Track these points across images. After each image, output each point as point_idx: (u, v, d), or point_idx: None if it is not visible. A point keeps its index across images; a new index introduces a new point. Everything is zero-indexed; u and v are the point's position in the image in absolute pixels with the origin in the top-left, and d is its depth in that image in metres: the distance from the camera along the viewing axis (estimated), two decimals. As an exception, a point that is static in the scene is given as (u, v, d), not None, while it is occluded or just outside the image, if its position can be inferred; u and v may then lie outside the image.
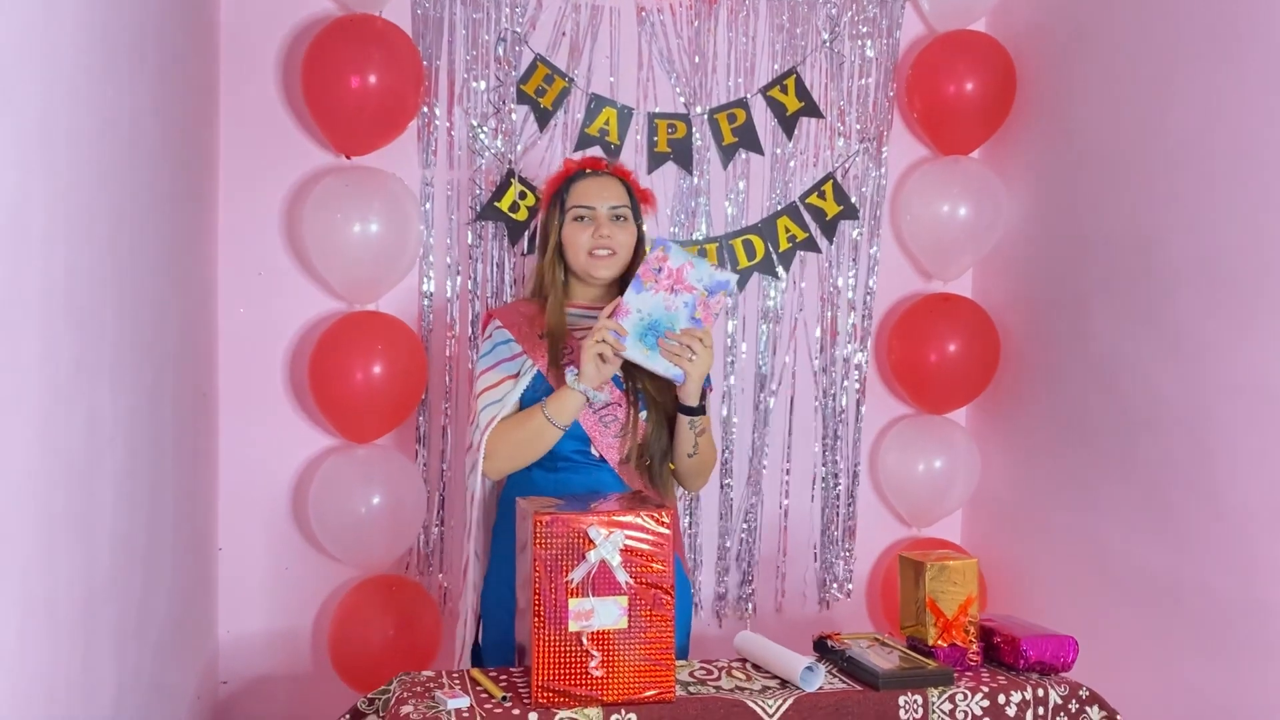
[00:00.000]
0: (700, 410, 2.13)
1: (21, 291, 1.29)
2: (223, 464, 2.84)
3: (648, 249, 2.21)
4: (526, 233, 2.97)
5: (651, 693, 1.82)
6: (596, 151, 2.98)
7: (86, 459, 1.59)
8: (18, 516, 1.29)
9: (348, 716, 1.98)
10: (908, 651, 2.07)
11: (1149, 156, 2.58)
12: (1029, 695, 1.96)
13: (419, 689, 1.89)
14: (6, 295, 1.24)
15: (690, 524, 3.11)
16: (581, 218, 2.21)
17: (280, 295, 2.87)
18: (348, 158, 2.83)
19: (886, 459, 3.20)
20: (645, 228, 2.27)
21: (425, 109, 2.90)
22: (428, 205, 2.94)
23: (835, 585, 3.23)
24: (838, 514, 3.22)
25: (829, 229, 3.15)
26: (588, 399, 2.09)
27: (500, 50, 2.94)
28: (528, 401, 2.18)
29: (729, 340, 3.11)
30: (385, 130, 2.80)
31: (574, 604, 1.80)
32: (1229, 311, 2.34)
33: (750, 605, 3.17)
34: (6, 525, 1.25)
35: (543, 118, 2.97)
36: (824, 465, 3.20)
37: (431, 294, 2.96)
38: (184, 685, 2.41)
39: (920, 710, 1.92)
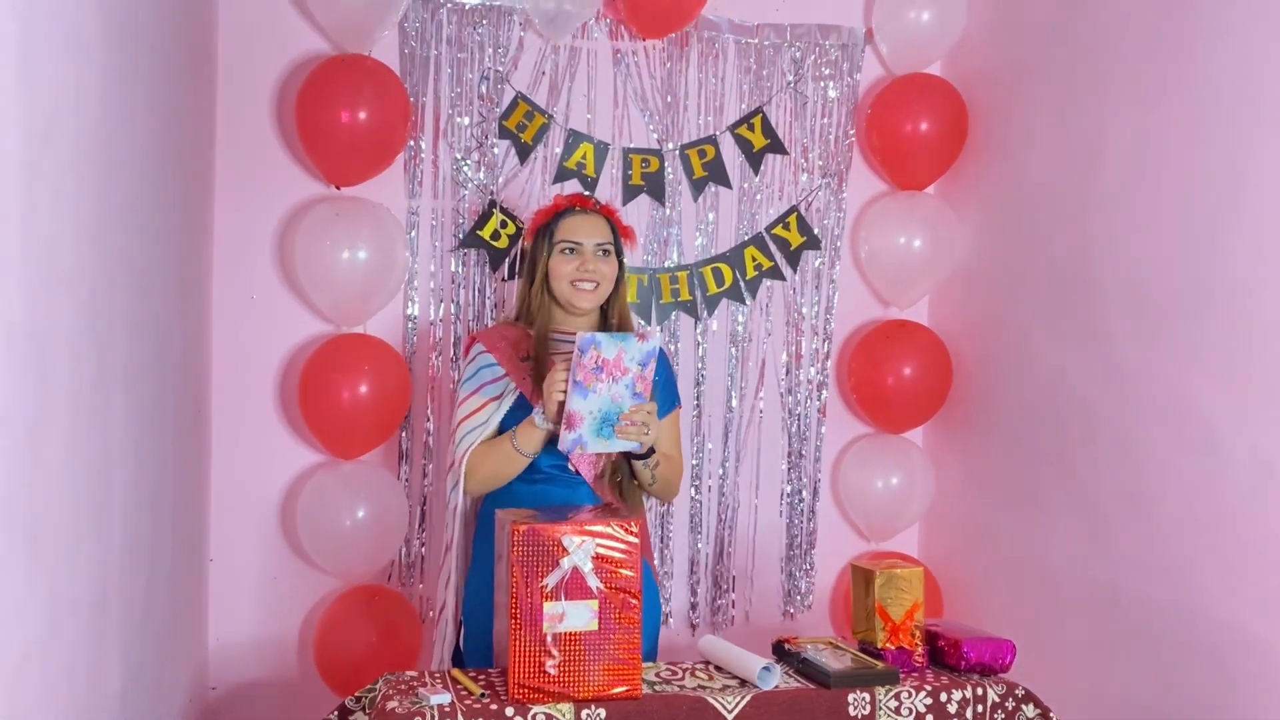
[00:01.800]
0: (650, 453, 2.28)
1: (53, 314, 1.44)
2: (214, 478, 2.97)
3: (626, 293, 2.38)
4: (507, 259, 3.13)
5: (620, 690, 1.98)
6: (575, 185, 3.15)
7: (103, 469, 1.73)
8: (51, 520, 1.43)
9: (335, 714, 2.12)
10: (858, 654, 2.23)
11: (1088, 190, 2.77)
12: (969, 694, 2.13)
13: (403, 687, 2.03)
14: (43, 318, 1.38)
15: (662, 537, 3.27)
16: (568, 250, 2.37)
17: (271, 318, 3.00)
18: (337, 188, 2.98)
19: (847, 476, 3.36)
20: (625, 259, 2.44)
21: (412, 143, 3.06)
22: (413, 233, 3.09)
23: (798, 598, 3.39)
24: (801, 529, 3.38)
25: (793, 258, 3.32)
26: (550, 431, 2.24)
27: (483, 88, 3.11)
28: (510, 423, 2.33)
29: (699, 364, 3.28)
30: (374, 162, 2.96)
31: (548, 607, 1.95)
32: (1160, 336, 2.53)
33: (720, 615, 3.32)
34: (40, 529, 1.39)
35: (523, 152, 3.14)
36: (789, 482, 3.37)
37: (416, 317, 3.11)
38: (178, 689, 2.54)
39: (868, 707, 2.08)
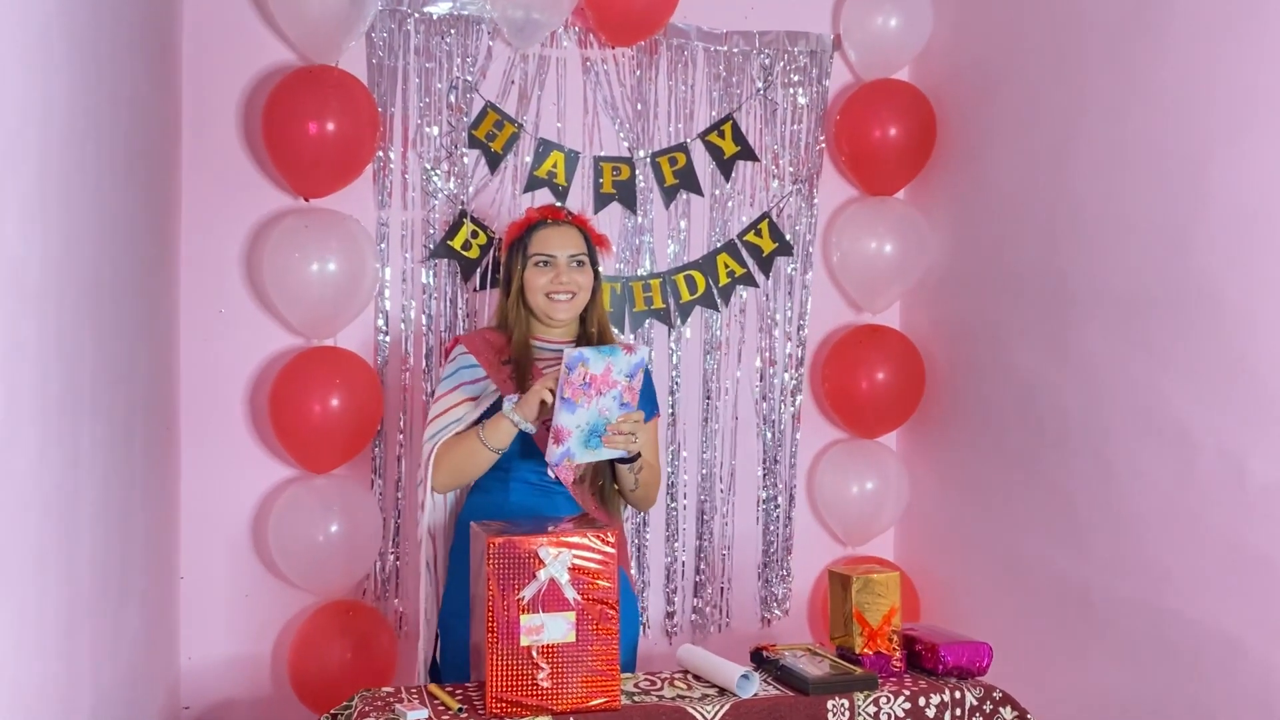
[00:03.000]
0: (636, 457, 2.28)
1: (19, 333, 1.41)
2: (185, 494, 2.93)
3: (605, 297, 2.40)
4: (478, 270, 3.11)
5: (598, 701, 1.96)
6: (546, 194, 3.14)
7: (71, 489, 1.70)
8: (18, 541, 1.40)
9: (312, 731, 2.09)
10: (837, 660, 2.23)
11: (1057, 195, 2.79)
12: (947, 697, 2.13)
13: (379, 703, 2.01)
14: (9, 338, 1.36)
15: (639, 546, 3.26)
16: (541, 264, 2.37)
17: (241, 332, 2.97)
18: (306, 200, 2.96)
19: (822, 481, 3.37)
20: (601, 268, 2.44)
21: (381, 153, 3.04)
22: (383, 244, 3.07)
23: (775, 604, 3.39)
24: (778, 535, 3.38)
25: (766, 265, 3.33)
26: (519, 428, 2.23)
27: (452, 98, 3.10)
28: None
29: (674, 372, 3.27)
30: (342, 173, 2.94)
31: (525, 620, 1.94)
32: (1129, 338, 2.55)
33: (698, 623, 3.31)
34: (7, 550, 1.37)
35: (493, 161, 3.13)
36: (764, 488, 3.37)
37: (387, 329, 3.09)
38: (150, 710, 2.50)
39: (847, 713, 2.08)
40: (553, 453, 2.16)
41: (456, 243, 3.10)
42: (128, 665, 2.22)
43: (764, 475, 3.37)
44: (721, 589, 3.34)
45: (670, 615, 3.30)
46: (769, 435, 3.37)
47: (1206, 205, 2.35)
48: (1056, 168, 2.79)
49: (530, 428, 2.23)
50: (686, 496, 3.30)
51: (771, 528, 3.38)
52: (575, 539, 1.96)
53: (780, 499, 3.38)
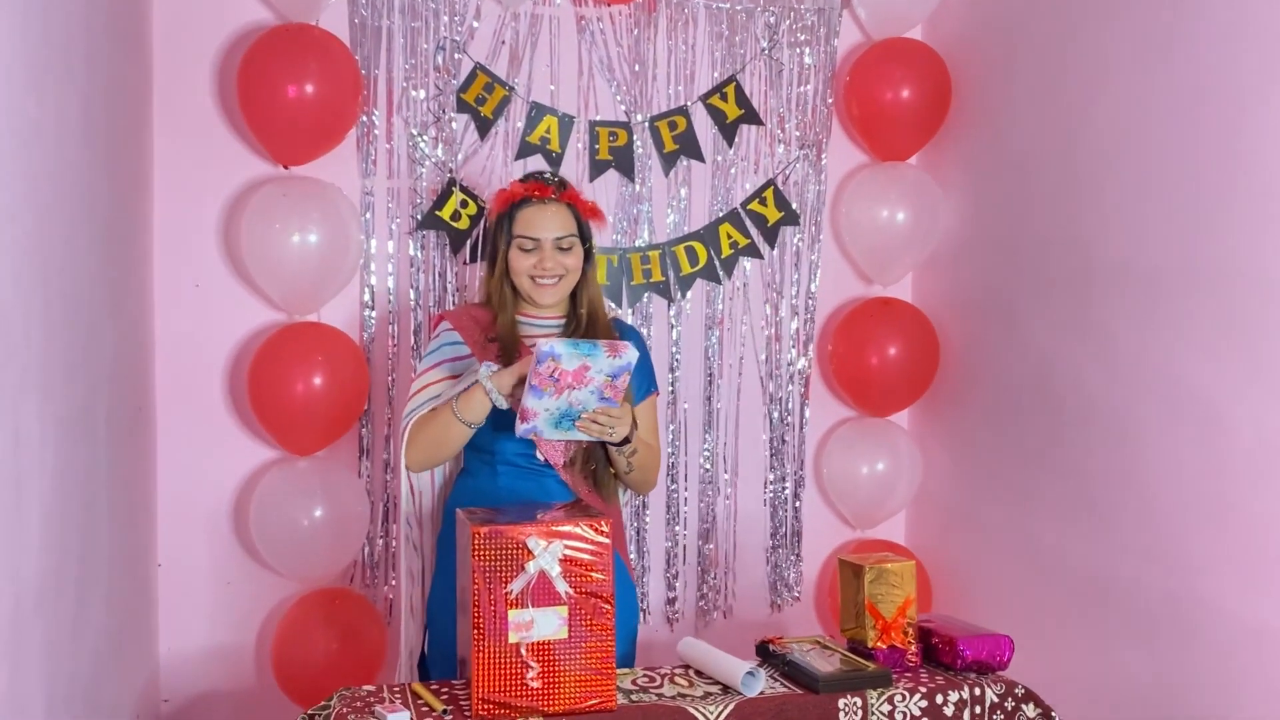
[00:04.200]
0: (627, 441, 2.14)
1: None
2: (161, 479, 2.80)
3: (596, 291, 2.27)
4: (468, 241, 2.96)
5: (593, 702, 1.83)
6: (539, 160, 2.98)
7: (13, 480, 1.56)
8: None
9: (288, 733, 1.96)
10: (848, 654, 2.09)
11: (1078, 161, 2.63)
12: (966, 695, 1.99)
13: (359, 704, 1.88)
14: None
15: (638, 530, 3.12)
16: (526, 248, 2.21)
17: (218, 307, 2.83)
18: (285, 167, 2.80)
19: (831, 462, 3.23)
20: (595, 242, 2.28)
21: (364, 118, 2.89)
22: (368, 215, 2.92)
23: (784, 589, 3.25)
24: (785, 517, 3.24)
25: (770, 235, 3.17)
26: (492, 400, 2.08)
27: (439, 59, 2.93)
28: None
29: (674, 348, 3.12)
30: (323, 140, 2.78)
31: (514, 615, 1.80)
32: (1154, 313, 2.40)
33: (703, 610, 3.18)
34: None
35: (483, 126, 2.97)
36: (771, 469, 3.22)
37: (372, 304, 2.94)
38: (122, 703, 2.37)
39: (860, 712, 1.94)
40: (519, 426, 2.03)
41: (445, 213, 2.94)
42: (91, 659, 2.09)
43: (770, 456, 3.22)
44: (726, 574, 3.20)
45: (672, 601, 3.17)
46: (775, 414, 3.22)
47: (1239, 171, 2.19)
48: (1078, 132, 2.62)
49: (503, 402, 2.08)
50: (688, 478, 3.16)
51: (779, 510, 3.24)
52: (567, 528, 1.82)
53: (788, 480, 3.24)
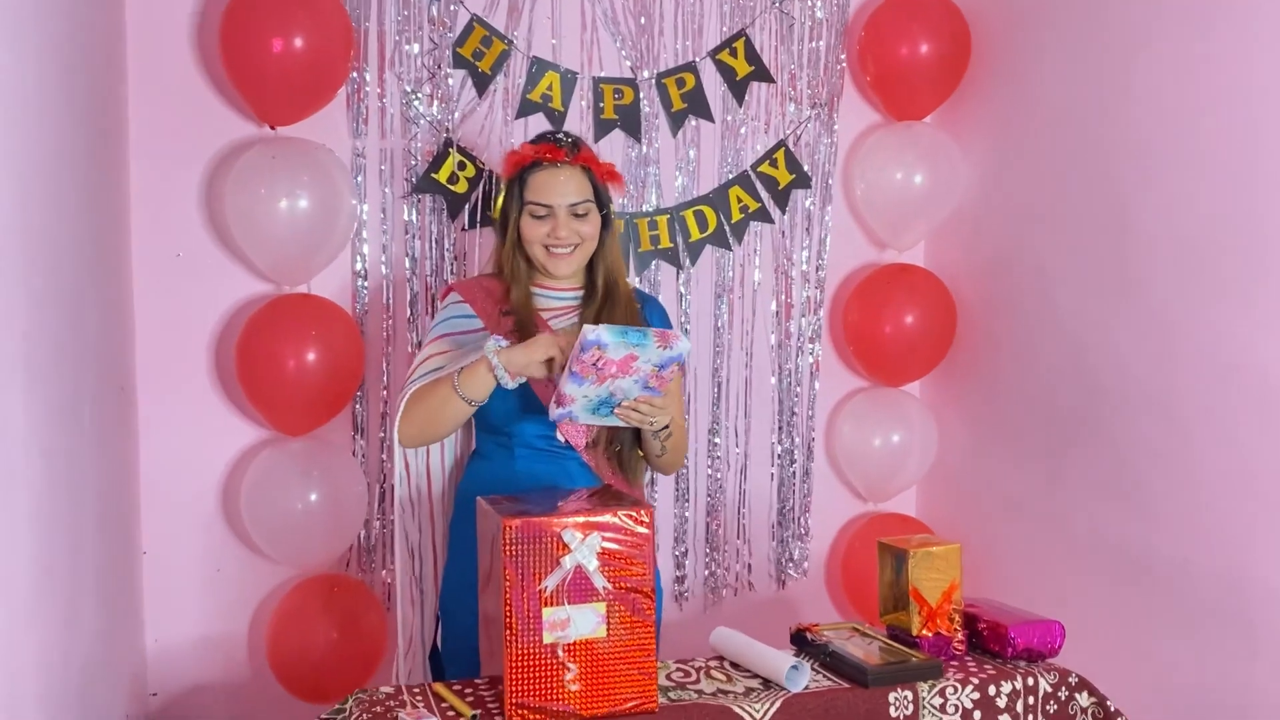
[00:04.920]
0: (665, 427, 2.00)
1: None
2: (144, 462, 2.63)
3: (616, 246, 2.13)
4: (467, 206, 2.80)
5: (633, 704, 1.71)
6: (540, 120, 2.82)
7: (2, 472, 1.41)
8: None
9: (300, 739, 1.83)
10: (889, 642, 1.99)
11: (1115, 121, 2.51)
12: (1019, 685, 1.90)
13: (379, 709, 1.74)
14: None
15: (644, 507, 3.00)
16: (539, 215, 2.06)
17: (202, 278, 2.65)
18: (272, 128, 2.62)
19: (842, 433, 3.12)
20: (614, 207, 2.13)
21: (355, 74, 2.70)
22: (360, 178, 2.74)
23: (792, 565, 3.15)
24: (794, 491, 3.14)
25: (781, 199, 3.03)
26: (497, 378, 1.94)
27: (434, 10, 2.75)
28: None
29: (683, 316, 2.99)
30: (312, 97, 2.60)
31: (548, 613, 1.67)
32: (1201, 283, 2.29)
33: (710, 586, 3.07)
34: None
35: (481, 83, 2.80)
36: (780, 442, 3.11)
37: (366, 273, 2.77)
38: (115, 700, 2.23)
39: (911, 707, 1.84)
40: (553, 411, 1.89)
41: (441, 175, 2.77)
42: (83, 659, 1.94)
43: (780, 428, 3.11)
44: (737, 550, 3.09)
45: (680, 579, 3.05)
46: (785, 384, 3.09)
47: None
48: (1114, 88, 2.50)
49: (507, 380, 1.93)
50: (697, 452, 3.03)
51: (788, 484, 3.13)
52: (605, 518, 1.69)
53: (797, 453, 3.12)
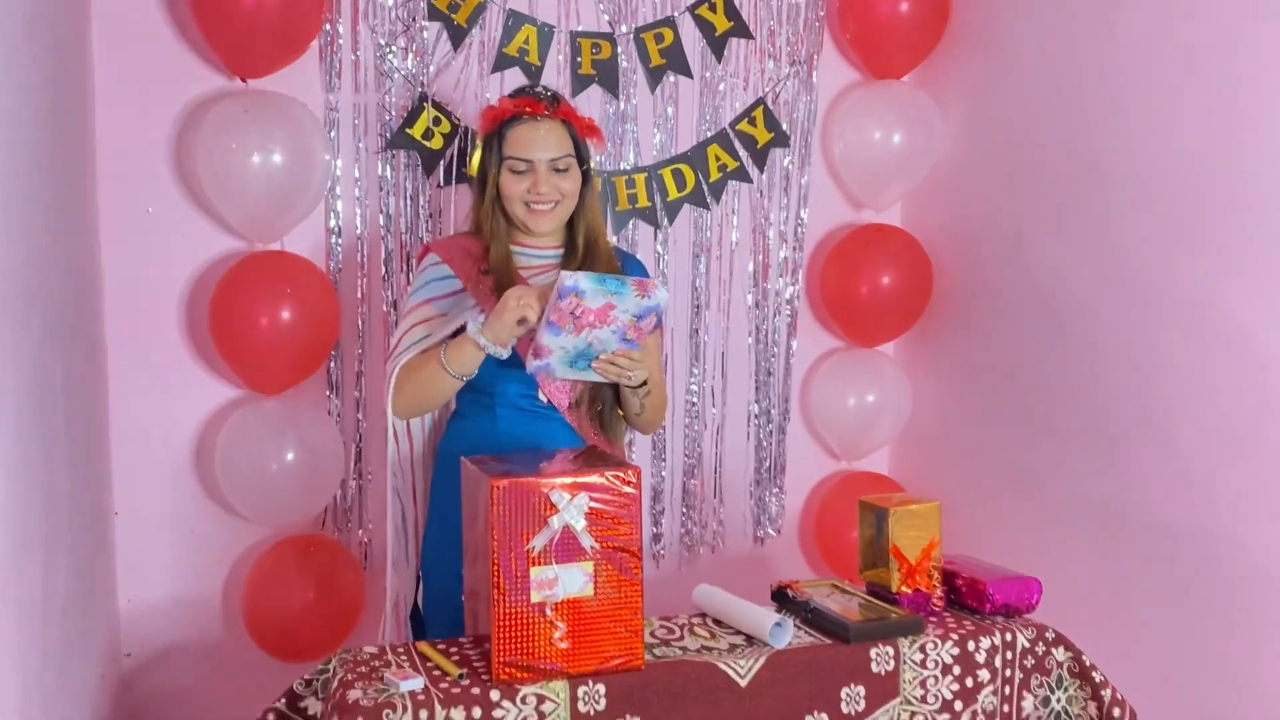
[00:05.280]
0: (643, 384, 2.00)
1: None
2: (114, 421, 2.59)
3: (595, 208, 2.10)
4: (442, 162, 2.76)
5: (619, 661, 1.72)
6: (517, 75, 2.77)
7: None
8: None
9: (283, 700, 1.82)
10: (869, 599, 2.01)
11: (1092, 80, 2.51)
12: (997, 640, 1.93)
13: (364, 669, 1.74)
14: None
15: (620, 466, 3.00)
16: (518, 170, 2.03)
17: (172, 235, 2.60)
18: (243, 81, 2.56)
19: (818, 393, 3.13)
20: (594, 163, 2.10)
21: (328, 26, 2.64)
22: (333, 133, 2.69)
23: (768, 522, 3.17)
24: (770, 450, 3.15)
25: (760, 157, 3.02)
26: (487, 352, 1.93)
27: (409, -39, 2.69)
28: None
29: (661, 277, 2.97)
30: (284, 50, 2.55)
31: (536, 573, 1.67)
32: (1179, 242, 2.31)
33: (685, 546, 3.09)
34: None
35: (457, 36, 2.74)
36: (756, 401, 3.12)
37: (340, 231, 2.73)
38: (88, 665, 2.20)
39: (892, 662, 1.86)
40: (530, 363, 1.88)
41: (416, 131, 2.73)
42: (59, 621, 1.91)
43: (756, 388, 3.11)
44: (713, 509, 3.11)
45: (657, 538, 3.07)
46: (762, 344, 3.10)
47: (1273, 86, 2.08)
48: (1097, 44, 2.49)
49: (501, 352, 1.92)
50: (674, 411, 3.03)
51: (764, 443, 3.14)
52: (593, 479, 1.68)
53: (774, 412, 3.13)
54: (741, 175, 3.00)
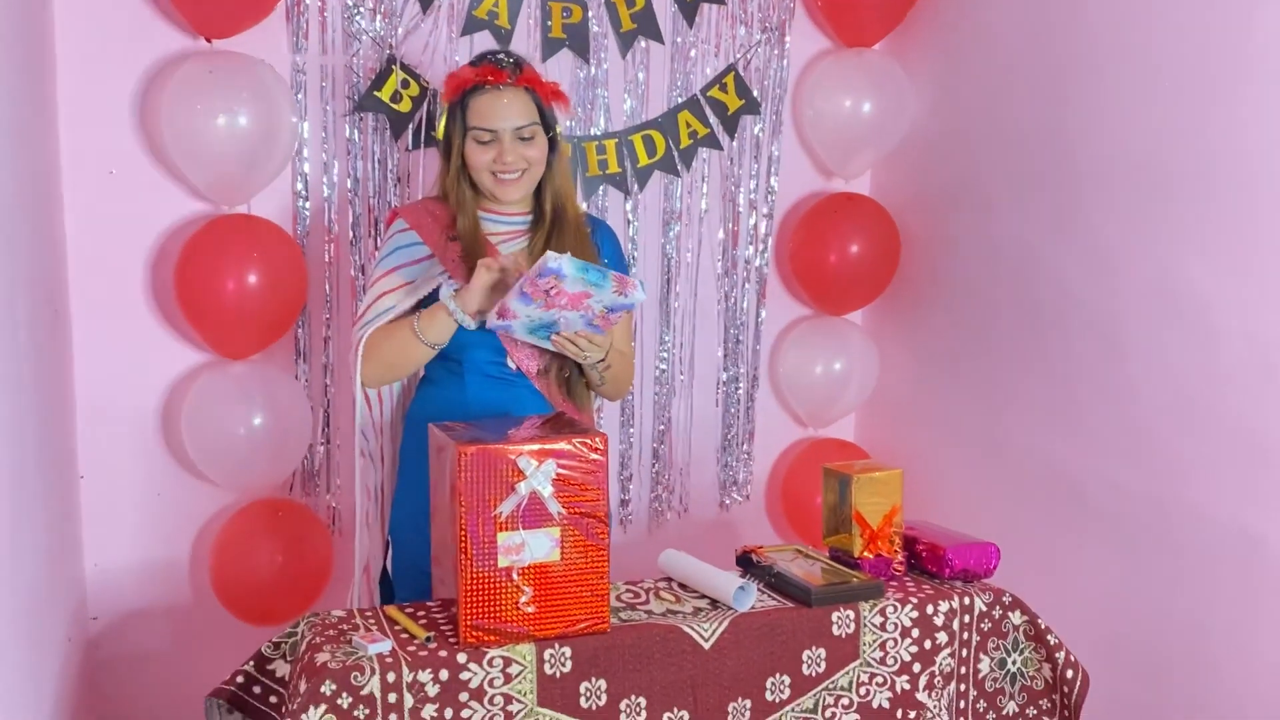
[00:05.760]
0: (600, 360, 2.01)
1: None
2: (79, 385, 2.57)
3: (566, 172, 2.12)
4: (410, 125, 2.73)
5: (585, 624, 1.74)
6: (486, 38, 2.75)
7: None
8: None
9: (252, 663, 1.83)
10: (832, 564, 2.05)
11: (1064, 50, 2.52)
12: (955, 604, 1.97)
13: (332, 632, 1.75)
14: None
15: (589, 432, 3.01)
16: (483, 139, 2.02)
17: (137, 197, 2.56)
18: (208, 41, 2.52)
19: (785, 361, 3.15)
20: (561, 129, 2.09)
21: (294, -14, 2.61)
22: (300, 95, 2.66)
23: (735, 488, 3.20)
24: (739, 417, 3.17)
25: (730, 124, 3.01)
26: (459, 322, 1.94)
27: (377, -79, 2.66)
28: None
29: (631, 243, 2.97)
30: (249, 9, 2.51)
31: (503, 538, 1.69)
32: (1141, 209, 2.34)
33: (654, 512, 3.11)
34: None
35: (425, -2, 2.72)
36: (725, 369, 3.14)
37: (308, 194, 2.71)
38: (54, 628, 2.20)
39: (853, 625, 1.90)
40: (492, 319, 1.90)
41: (384, 93, 2.70)
42: (26, 584, 1.91)
43: (725, 355, 3.13)
44: (680, 475, 3.13)
45: (625, 504, 3.09)
46: (731, 312, 3.11)
47: (1248, 62, 2.10)
48: (1065, 14, 2.51)
49: (470, 323, 1.94)
50: (643, 380, 3.05)
51: (732, 410, 3.17)
52: (560, 445, 1.70)
53: (742, 380, 3.16)
54: (712, 142, 3.00)
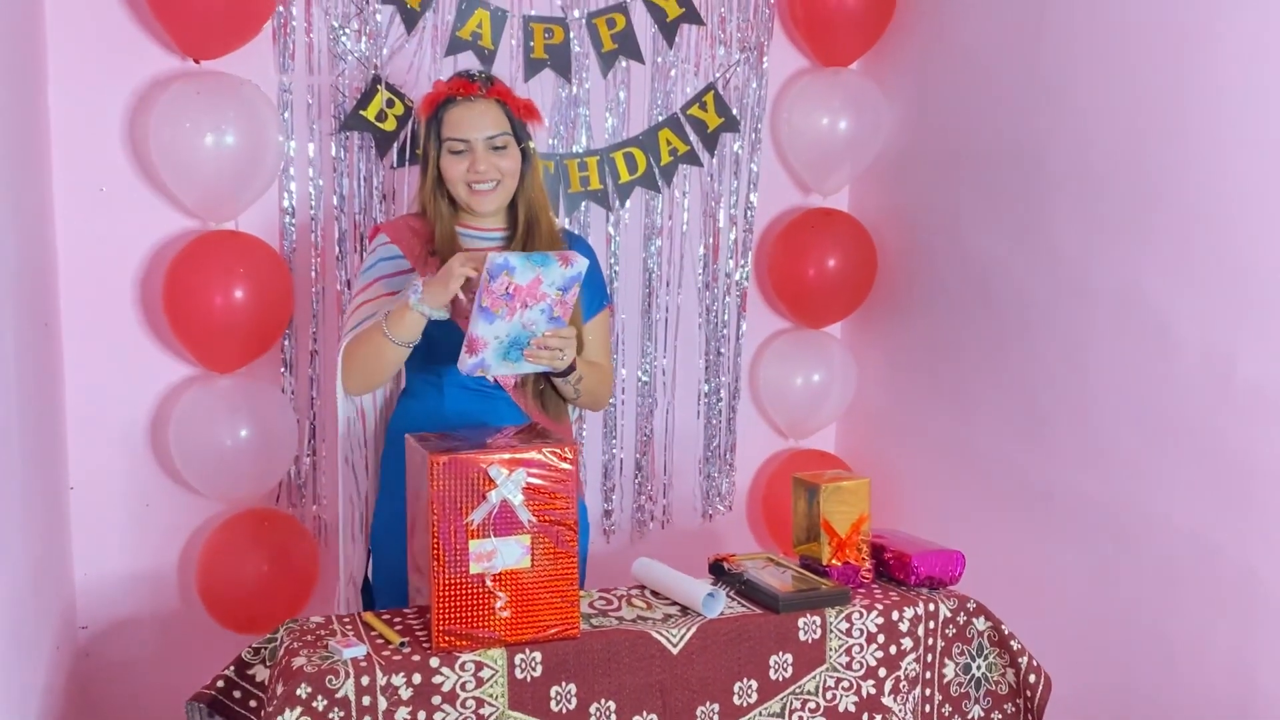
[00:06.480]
0: (570, 370, 2.05)
1: None
2: (70, 398, 2.62)
3: (538, 174, 2.12)
4: (395, 144, 2.80)
5: (555, 630, 1.79)
6: (470, 58, 2.82)
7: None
8: None
9: (232, 668, 1.87)
10: (802, 571, 2.09)
11: (1028, 67, 2.59)
12: (921, 610, 2.01)
13: (309, 638, 1.80)
14: None
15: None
16: (457, 150, 2.07)
17: (126, 214, 2.63)
18: (196, 61, 2.59)
19: (766, 373, 3.21)
20: (533, 143, 2.15)
21: (281, 8, 2.67)
22: (287, 114, 2.72)
23: (718, 499, 3.25)
24: (720, 429, 3.23)
25: (710, 142, 3.08)
26: (429, 317, 1.98)
27: (362, -56, 2.72)
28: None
29: (613, 259, 3.03)
30: (237, 31, 2.57)
31: (475, 545, 1.74)
32: (1103, 225, 2.40)
33: (638, 520, 3.16)
34: None
35: (410, 19, 2.78)
36: (707, 381, 3.19)
37: (294, 211, 2.77)
38: (42, 634, 2.25)
39: (819, 631, 1.94)
40: (464, 362, 1.91)
41: (370, 113, 2.77)
42: (12, 593, 1.96)
43: (706, 368, 3.19)
44: (663, 486, 3.18)
45: (608, 514, 3.14)
46: (712, 325, 3.17)
47: (1211, 78, 2.16)
48: (1034, 35, 2.57)
49: (441, 314, 1.97)
50: (625, 391, 3.10)
51: (714, 422, 3.22)
52: (530, 455, 1.75)
53: (723, 392, 3.21)
54: (692, 159, 3.06)
